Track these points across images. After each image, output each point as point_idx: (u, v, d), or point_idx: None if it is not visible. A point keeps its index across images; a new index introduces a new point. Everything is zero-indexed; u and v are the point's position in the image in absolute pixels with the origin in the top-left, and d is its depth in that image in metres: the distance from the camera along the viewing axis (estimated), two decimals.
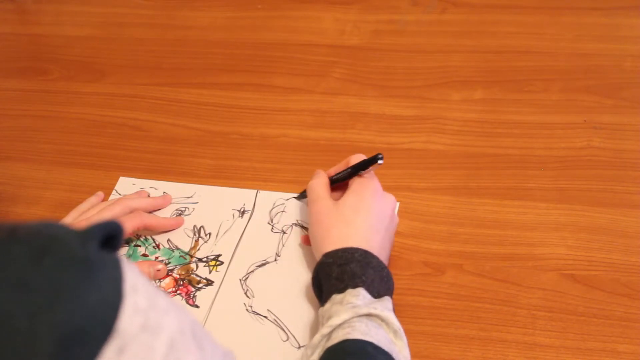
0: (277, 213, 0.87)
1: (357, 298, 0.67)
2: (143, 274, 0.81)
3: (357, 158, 0.80)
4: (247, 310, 0.78)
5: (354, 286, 0.68)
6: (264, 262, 0.82)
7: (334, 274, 0.70)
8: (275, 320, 0.77)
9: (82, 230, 0.40)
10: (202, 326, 0.46)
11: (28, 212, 0.91)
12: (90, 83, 1.10)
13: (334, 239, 0.73)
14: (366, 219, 0.75)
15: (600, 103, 0.96)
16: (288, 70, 1.07)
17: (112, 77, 1.10)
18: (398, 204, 0.83)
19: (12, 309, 0.36)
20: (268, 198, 0.89)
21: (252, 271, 0.81)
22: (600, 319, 0.74)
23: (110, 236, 0.41)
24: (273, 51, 1.11)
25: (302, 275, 0.80)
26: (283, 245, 0.83)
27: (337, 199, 0.78)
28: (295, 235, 0.84)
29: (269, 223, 0.86)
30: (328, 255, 0.72)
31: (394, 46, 1.09)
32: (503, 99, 0.98)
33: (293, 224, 0.85)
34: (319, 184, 0.80)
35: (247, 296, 0.79)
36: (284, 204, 0.88)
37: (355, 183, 0.78)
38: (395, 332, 0.66)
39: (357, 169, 0.79)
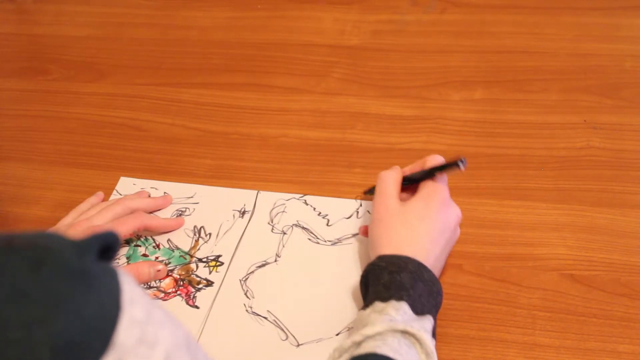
0: (278, 213, 0.87)
1: (398, 312, 0.65)
2: (143, 273, 0.81)
3: (434, 159, 0.77)
4: (247, 311, 0.78)
5: (399, 299, 0.66)
6: (264, 262, 0.82)
7: (383, 279, 0.68)
8: (275, 321, 0.77)
9: (79, 241, 0.39)
10: (196, 340, 0.46)
11: (28, 212, 0.91)
12: (90, 83, 1.10)
13: (393, 243, 0.71)
14: (429, 229, 0.73)
15: (600, 103, 0.97)
16: (288, 70, 1.07)
17: (112, 77, 1.10)
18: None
19: (7, 319, 0.35)
20: (268, 198, 0.89)
21: (252, 272, 0.82)
22: (600, 319, 0.74)
23: (107, 246, 0.41)
24: (273, 51, 1.11)
25: (302, 276, 0.80)
26: (283, 246, 0.83)
27: (404, 200, 0.76)
28: (296, 236, 0.84)
29: (269, 223, 0.86)
30: (382, 258, 0.70)
31: (394, 46, 1.09)
32: (503, 99, 0.98)
33: (293, 224, 0.85)
34: (391, 179, 0.77)
35: (247, 297, 0.79)
36: (284, 204, 0.88)
37: (425, 188, 0.75)
38: (427, 355, 0.64)
39: (434, 171, 0.76)
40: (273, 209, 0.87)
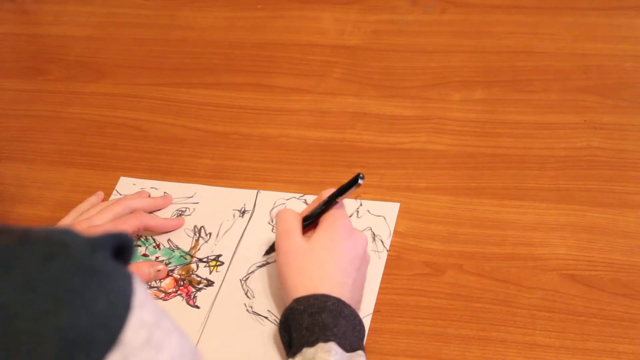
0: None
1: (329, 354, 0.64)
2: (144, 273, 0.81)
3: (328, 192, 0.76)
4: (247, 310, 0.78)
5: (326, 340, 0.65)
6: (264, 262, 0.82)
7: (305, 323, 0.67)
8: (276, 321, 0.77)
9: (92, 239, 0.40)
10: (201, 355, 0.46)
11: (28, 212, 0.92)
12: (90, 83, 1.10)
13: (305, 283, 0.70)
14: (339, 262, 0.72)
15: (600, 103, 0.96)
16: (288, 70, 1.07)
17: (112, 77, 1.10)
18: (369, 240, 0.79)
19: (17, 310, 0.36)
20: (268, 198, 0.89)
21: (253, 272, 0.82)
22: (600, 319, 0.74)
23: (122, 247, 0.41)
24: (273, 51, 1.11)
25: None
26: None
27: (308, 237, 0.75)
28: None
29: (269, 223, 0.86)
30: (299, 301, 0.69)
31: (394, 46, 1.09)
32: (503, 99, 0.98)
33: None
34: (291, 216, 0.76)
35: (248, 297, 0.79)
36: (284, 204, 0.88)
37: (326, 220, 0.75)
38: None
39: (335, 196, 0.75)
40: (273, 208, 0.88)
